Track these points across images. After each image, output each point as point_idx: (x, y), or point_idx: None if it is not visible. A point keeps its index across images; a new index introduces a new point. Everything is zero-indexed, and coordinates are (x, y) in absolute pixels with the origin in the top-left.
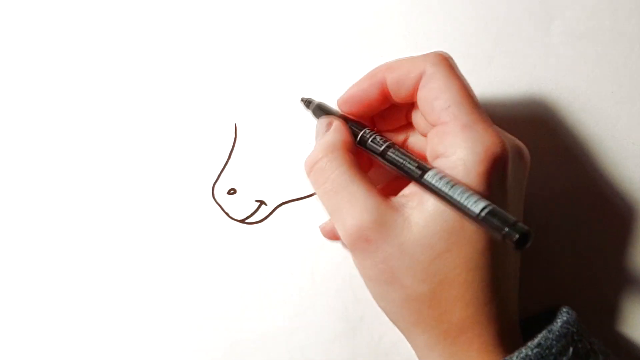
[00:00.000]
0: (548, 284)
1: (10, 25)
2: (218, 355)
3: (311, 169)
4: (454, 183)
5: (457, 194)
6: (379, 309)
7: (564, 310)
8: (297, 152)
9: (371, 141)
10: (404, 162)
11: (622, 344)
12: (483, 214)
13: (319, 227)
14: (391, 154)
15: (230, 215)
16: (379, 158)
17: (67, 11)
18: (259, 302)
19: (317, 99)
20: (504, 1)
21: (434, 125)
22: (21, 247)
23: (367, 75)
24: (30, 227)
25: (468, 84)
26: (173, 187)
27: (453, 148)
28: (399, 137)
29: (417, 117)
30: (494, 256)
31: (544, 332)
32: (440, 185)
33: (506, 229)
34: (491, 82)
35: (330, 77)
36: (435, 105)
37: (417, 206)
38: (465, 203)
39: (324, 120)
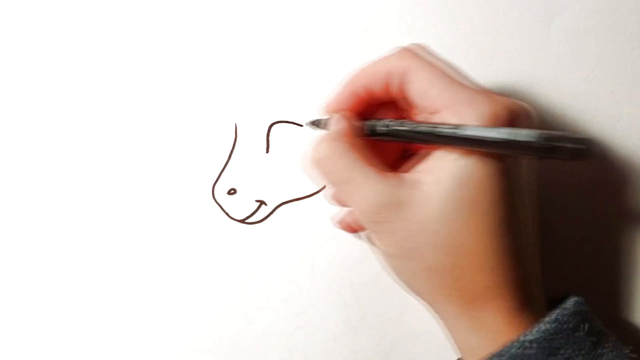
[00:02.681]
0: (552, 279)
1: (10, 25)
2: (218, 355)
3: (317, 160)
4: (495, 126)
5: (503, 134)
6: (379, 309)
7: (573, 296)
8: (297, 152)
9: (398, 126)
10: (435, 127)
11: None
12: (542, 139)
13: (330, 218)
14: (422, 127)
15: (230, 215)
16: (407, 138)
17: (67, 11)
18: (259, 302)
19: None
20: (504, 0)
21: (431, 114)
22: (22, 247)
23: (343, 83)
24: (31, 227)
25: (449, 65)
26: (173, 187)
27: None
28: None
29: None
30: (514, 223)
31: (559, 309)
32: (484, 133)
33: (569, 145)
34: (491, 82)
35: (331, 77)
36: (431, 94)
37: (435, 182)
38: (518, 138)
39: (328, 117)
